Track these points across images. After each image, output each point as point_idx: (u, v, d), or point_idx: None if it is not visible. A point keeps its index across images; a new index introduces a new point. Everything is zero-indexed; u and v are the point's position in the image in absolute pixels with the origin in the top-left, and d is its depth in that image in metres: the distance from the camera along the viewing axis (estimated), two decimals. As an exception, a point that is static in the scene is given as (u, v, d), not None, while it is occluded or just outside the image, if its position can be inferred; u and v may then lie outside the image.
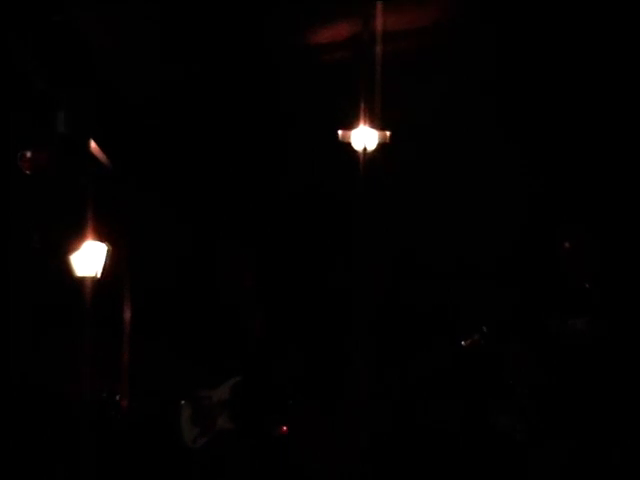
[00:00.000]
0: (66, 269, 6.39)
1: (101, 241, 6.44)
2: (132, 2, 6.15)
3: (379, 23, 6.70)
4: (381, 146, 6.91)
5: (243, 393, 6.20)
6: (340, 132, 6.88)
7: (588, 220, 6.51)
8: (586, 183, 6.77)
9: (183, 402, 6.23)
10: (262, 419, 6.20)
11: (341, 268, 7.00)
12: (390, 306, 6.92)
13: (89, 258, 6.41)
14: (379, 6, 6.60)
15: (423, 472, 6.43)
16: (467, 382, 6.52)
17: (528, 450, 6.17)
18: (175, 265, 6.87)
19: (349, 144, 6.92)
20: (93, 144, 6.55)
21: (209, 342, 6.39)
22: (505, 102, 6.84)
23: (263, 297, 6.59)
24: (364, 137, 6.80)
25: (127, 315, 6.76)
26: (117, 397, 6.58)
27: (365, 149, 6.87)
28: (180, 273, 6.88)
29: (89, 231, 6.39)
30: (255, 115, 7.02)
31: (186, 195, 7.06)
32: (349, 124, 6.84)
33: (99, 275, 6.52)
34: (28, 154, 6.32)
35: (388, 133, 6.85)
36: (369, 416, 6.56)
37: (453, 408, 6.54)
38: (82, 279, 6.45)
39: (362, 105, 6.77)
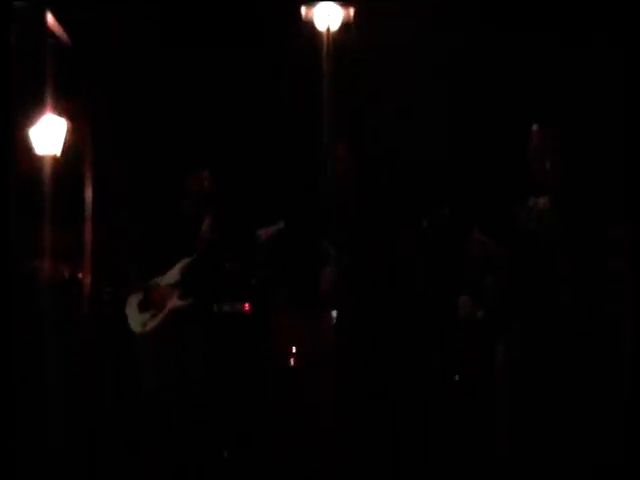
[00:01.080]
0: (25, 145, 6.25)
1: (61, 117, 6.31)
2: None
3: None
4: (345, 25, 6.83)
5: (194, 272, 6.13)
6: (303, 9, 6.79)
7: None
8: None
9: (130, 294, 6.16)
10: (218, 296, 6.14)
11: (306, 156, 6.91)
12: (356, 194, 6.84)
13: (49, 134, 6.28)
14: None
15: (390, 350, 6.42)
16: (430, 264, 6.51)
17: (488, 331, 6.21)
18: (136, 145, 6.75)
19: (312, 22, 6.83)
20: (50, 17, 6.37)
21: (163, 232, 6.31)
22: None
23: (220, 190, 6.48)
24: (327, 13, 6.72)
25: (88, 195, 6.65)
26: (79, 276, 6.52)
27: (328, 28, 6.80)
28: (139, 153, 6.77)
29: (48, 106, 6.24)
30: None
31: (146, 75, 6.92)
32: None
33: (59, 154, 6.41)
34: (-17, 25, 6.11)
35: (352, 9, 6.78)
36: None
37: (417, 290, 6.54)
38: (42, 157, 6.32)
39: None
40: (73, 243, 6.49)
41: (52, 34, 6.37)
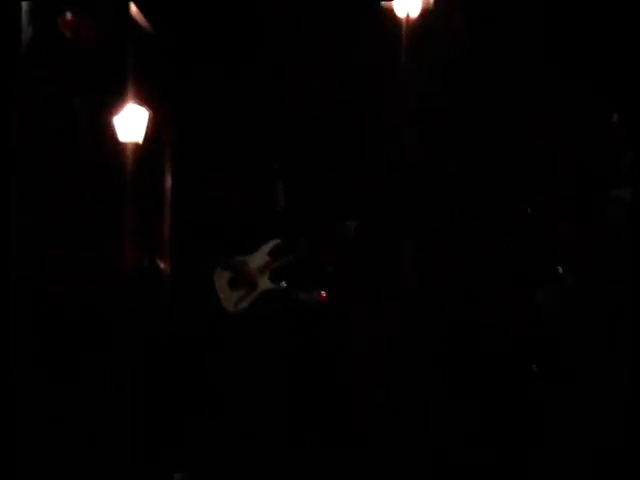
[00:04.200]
0: (109, 133, 6.36)
1: (143, 106, 6.39)
2: None
3: None
4: (425, 12, 6.78)
5: (281, 256, 6.17)
6: (383, -1, 6.77)
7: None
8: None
9: (217, 269, 6.18)
10: (302, 281, 6.18)
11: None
12: (424, 183, 6.82)
13: (131, 123, 6.37)
14: None
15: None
16: (511, 257, 6.48)
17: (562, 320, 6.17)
18: (217, 138, 6.80)
19: (392, 11, 6.80)
20: (134, 8, 6.45)
21: (241, 216, 6.35)
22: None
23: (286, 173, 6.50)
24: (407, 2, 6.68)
25: (168, 183, 6.75)
26: (159, 264, 6.61)
27: (408, 16, 6.76)
28: (221, 146, 6.82)
29: (131, 95, 6.33)
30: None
31: (231, 67, 6.94)
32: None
33: (141, 141, 6.50)
34: (68, 16, 6.23)
35: (433, -3, 6.73)
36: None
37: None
38: (124, 144, 6.42)
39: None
40: (154, 231, 6.60)
41: (136, 24, 6.45)
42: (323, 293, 6.32)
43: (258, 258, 6.16)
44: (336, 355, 6.17)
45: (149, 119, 6.53)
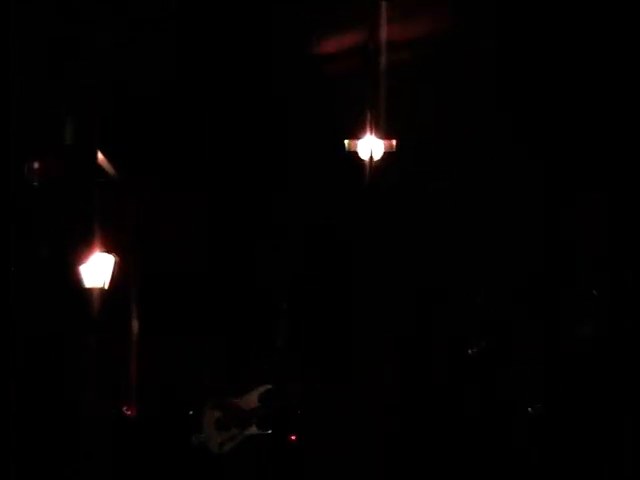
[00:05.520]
0: (75, 280, 6.35)
1: (108, 251, 6.41)
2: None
3: (383, 33, 6.74)
4: (387, 155, 6.94)
5: (271, 401, 6.20)
6: (347, 142, 6.92)
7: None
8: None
9: (206, 407, 6.19)
10: (280, 426, 6.21)
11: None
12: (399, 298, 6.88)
13: (97, 269, 6.37)
14: (384, 14, 6.64)
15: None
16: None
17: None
18: (184, 276, 6.83)
19: (355, 153, 6.95)
20: (100, 154, 6.53)
21: (219, 352, 6.37)
22: (507, 104, 6.87)
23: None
24: (370, 146, 6.84)
25: (135, 325, 6.73)
26: (126, 411, 6.54)
27: (372, 158, 6.91)
28: (188, 282, 6.85)
29: (97, 242, 6.36)
30: (259, 124, 7.01)
31: (195, 200, 7.02)
32: (355, 134, 6.86)
33: (106, 286, 6.49)
34: (36, 165, 6.29)
35: (394, 142, 6.89)
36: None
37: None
38: (90, 290, 6.41)
39: (368, 115, 6.80)
40: (124, 378, 6.55)
41: (103, 171, 6.53)
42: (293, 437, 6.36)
43: (249, 401, 6.19)
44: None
45: (116, 265, 6.54)
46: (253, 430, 6.15)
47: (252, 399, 6.17)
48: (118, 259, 6.43)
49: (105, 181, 6.61)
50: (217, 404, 6.18)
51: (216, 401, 6.20)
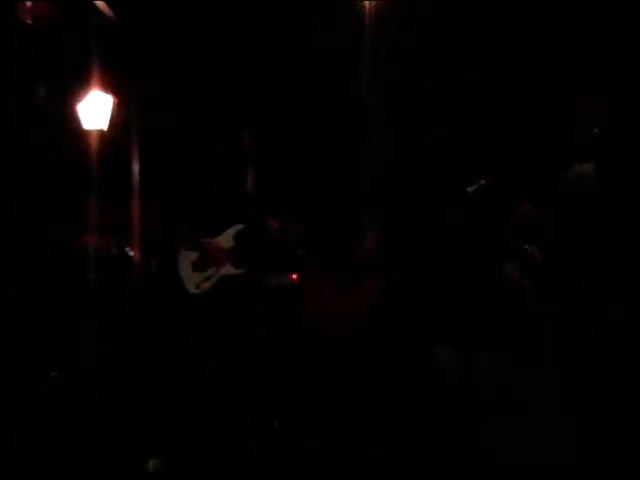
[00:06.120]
0: (72, 121, 6.33)
1: (108, 93, 6.37)
2: None
3: None
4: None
5: (247, 240, 6.16)
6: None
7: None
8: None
9: (182, 250, 6.19)
10: (269, 267, 6.18)
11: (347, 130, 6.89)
12: (395, 167, 6.83)
13: (95, 110, 6.35)
14: None
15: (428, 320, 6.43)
16: (476, 232, 6.49)
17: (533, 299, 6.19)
18: (181, 120, 6.78)
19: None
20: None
21: (210, 199, 6.33)
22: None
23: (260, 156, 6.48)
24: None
25: (135, 170, 6.71)
26: (128, 251, 6.60)
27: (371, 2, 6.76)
28: (184, 129, 6.80)
29: (95, 82, 6.30)
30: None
31: (192, 52, 6.91)
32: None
33: (106, 128, 6.47)
34: (28, 4, 6.20)
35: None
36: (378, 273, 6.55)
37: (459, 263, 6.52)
38: (89, 132, 6.40)
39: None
40: (122, 218, 6.58)
41: (99, 12, 6.42)
42: (294, 276, 6.34)
43: (223, 241, 6.16)
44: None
45: (114, 106, 6.51)
46: (229, 270, 6.18)
47: (226, 239, 6.14)
48: (117, 101, 6.40)
49: (103, 22, 6.50)
50: (192, 245, 6.15)
51: (191, 242, 6.16)
